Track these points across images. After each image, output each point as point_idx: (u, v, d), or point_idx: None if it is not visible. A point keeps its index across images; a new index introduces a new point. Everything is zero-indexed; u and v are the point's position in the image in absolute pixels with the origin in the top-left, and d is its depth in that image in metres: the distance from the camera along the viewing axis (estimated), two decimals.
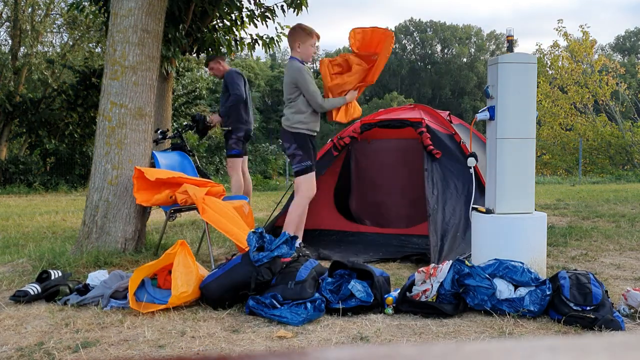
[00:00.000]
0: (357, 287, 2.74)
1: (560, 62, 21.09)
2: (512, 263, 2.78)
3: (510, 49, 3.30)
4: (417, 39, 60.30)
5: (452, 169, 4.19)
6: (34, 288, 3.01)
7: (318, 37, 4.13)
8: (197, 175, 4.50)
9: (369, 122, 4.63)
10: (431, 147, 4.20)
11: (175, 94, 16.87)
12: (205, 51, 7.31)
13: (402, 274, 3.60)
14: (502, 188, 3.19)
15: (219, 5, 6.85)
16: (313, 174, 4.03)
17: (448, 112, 4.95)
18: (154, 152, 4.29)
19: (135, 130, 4.14)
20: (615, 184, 14.50)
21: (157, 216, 6.89)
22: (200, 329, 2.50)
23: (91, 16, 7.95)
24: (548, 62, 21.64)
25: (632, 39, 56.34)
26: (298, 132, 3.99)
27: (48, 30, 20.15)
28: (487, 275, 2.71)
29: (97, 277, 3.15)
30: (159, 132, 5.22)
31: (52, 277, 3.12)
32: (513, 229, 3.13)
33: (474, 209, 3.37)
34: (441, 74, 55.04)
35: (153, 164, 4.32)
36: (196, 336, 2.40)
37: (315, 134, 4.12)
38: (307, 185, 3.99)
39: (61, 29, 20.70)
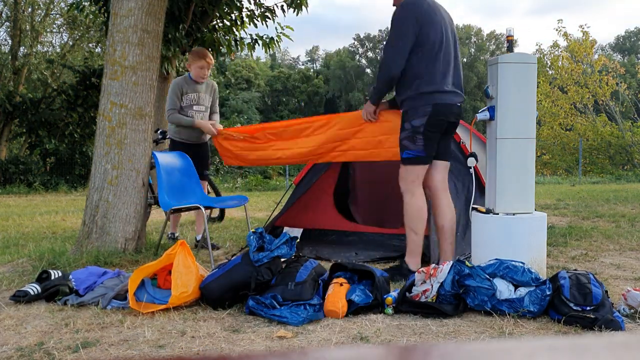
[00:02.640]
0: (355, 293, 2.74)
1: (560, 62, 21.10)
2: (513, 263, 2.78)
3: (510, 49, 3.29)
4: None
5: (452, 169, 4.19)
6: (34, 288, 3.01)
7: (207, 62, 4.61)
8: (198, 175, 4.50)
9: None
10: None
11: None
12: None
13: None
14: (502, 188, 3.19)
15: (219, 5, 6.85)
16: None
17: None
18: (154, 152, 4.29)
19: (135, 130, 4.14)
20: (615, 184, 14.51)
21: (157, 216, 6.89)
22: (200, 329, 2.50)
23: (91, 16, 7.95)
24: (548, 62, 21.65)
25: (632, 39, 56.33)
26: (173, 139, 4.69)
27: (48, 30, 20.16)
28: (488, 276, 2.71)
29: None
30: (159, 132, 5.23)
31: (52, 277, 3.11)
32: (513, 229, 3.13)
33: (474, 209, 3.37)
34: None
35: (153, 164, 4.32)
36: (196, 336, 2.40)
37: (192, 142, 4.65)
38: None
39: (61, 29, 20.71)
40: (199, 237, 4.77)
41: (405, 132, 3.35)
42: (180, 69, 7.49)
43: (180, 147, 4.64)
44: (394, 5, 3.42)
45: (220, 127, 4.49)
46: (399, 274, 3.38)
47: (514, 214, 3.17)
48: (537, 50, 23.07)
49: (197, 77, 4.63)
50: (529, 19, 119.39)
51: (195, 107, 4.64)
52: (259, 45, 7.48)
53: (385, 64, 3.27)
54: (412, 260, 3.41)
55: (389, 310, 2.71)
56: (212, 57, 4.76)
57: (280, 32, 7.35)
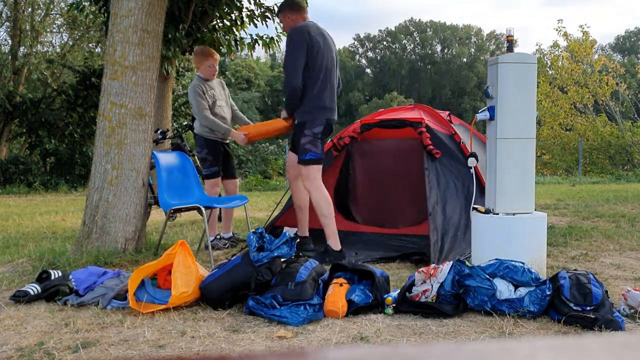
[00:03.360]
0: (355, 293, 2.74)
1: (560, 62, 21.10)
2: (513, 263, 2.78)
3: (510, 49, 3.30)
4: (417, 39, 60.25)
5: (452, 169, 4.19)
6: (34, 288, 3.01)
7: (215, 59, 4.73)
8: (197, 175, 4.50)
9: (368, 122, 4.63)
10: (431, 147, 4.21)
11: (175, 94, 16.87)
12: None
13: (402, 274, 3.60)
14: (502, 188, 3.19)
15: (219, 5, 6.85)
16: (218, 179, 4.71)
17: (448, 112, 4.95)
18: (154, 152, 4.29)
19: (135, 130, 4.14)
20: (615, 184, 14.51)
21: (157, 216, 6.89)
22: (200, 329, 2.50)
23: (91, 16, 7.95)
24: (548, 62, 21.65)
25: (632, 39, 56.33)
26: (207, 138, 4.63)
27: (48, 30, 20.16)
28: (488, 276, 2.71)
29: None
30: (159, 132, 5.23)
31: (52, 277, 3.11)
32: (513, 229, 3.13)
33: (474, 209, 3.37)
34: (441, 74, 54.97)
35: (153, 164, 4.32)
36: (196, 336, 2.40)
37: (221, 139, 4.68)
38: (211, 189, 4.66)
39: (61, 29, 20.71)
40: (226, 236, 4.88)
41: (307, 137, 3.87)
42: (180, 69, 7.49)
43: (212, 144, 4.64)
44: (286, 32, 4.02)
45: (244, 139, 4.33)
46: (328, 256, 3.81)
47: (514, 214, 3.17)
48: (537, 50, 23.09)
49: (208, 75, 4.69)
50: (545, 10, 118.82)
51: (217, 104, 4.69)
52: (259, 45, 7.48)
53: (287, 79, 3.81)
54: (334, 241, 3.91)
55: (389, 310, 2.71)
56: (216, 53, 4.84)
57: (281, 32, 7.35)
